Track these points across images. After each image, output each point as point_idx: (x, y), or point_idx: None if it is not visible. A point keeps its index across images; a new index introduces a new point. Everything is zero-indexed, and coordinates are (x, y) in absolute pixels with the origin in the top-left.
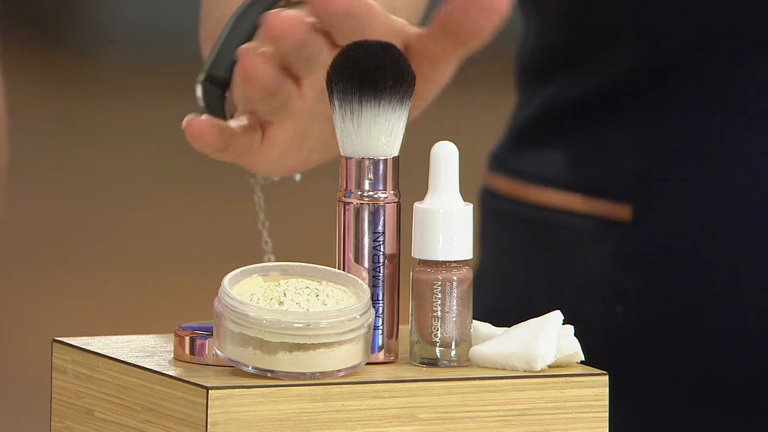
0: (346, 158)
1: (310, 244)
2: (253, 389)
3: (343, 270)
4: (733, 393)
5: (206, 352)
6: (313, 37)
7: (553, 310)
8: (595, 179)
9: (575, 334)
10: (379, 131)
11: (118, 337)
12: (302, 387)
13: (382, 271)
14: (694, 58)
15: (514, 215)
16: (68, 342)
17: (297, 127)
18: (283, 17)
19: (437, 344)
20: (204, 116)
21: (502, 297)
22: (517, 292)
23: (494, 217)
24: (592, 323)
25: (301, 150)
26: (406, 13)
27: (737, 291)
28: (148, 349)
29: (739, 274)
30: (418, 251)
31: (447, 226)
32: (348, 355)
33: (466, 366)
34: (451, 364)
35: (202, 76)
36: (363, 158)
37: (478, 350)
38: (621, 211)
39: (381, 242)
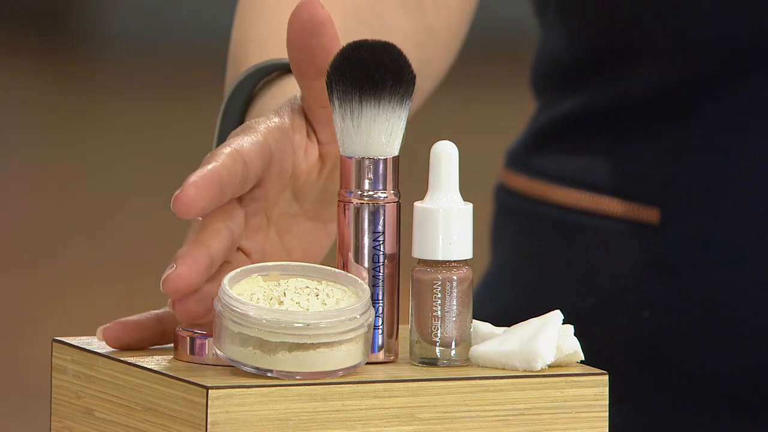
0: (346, 158)
1: None
2: (253, 389)
3: (343, 270)
4: (756, 401)
5: (206, 352)
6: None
7: (573, 312)
8: (624, 182)
9: (575, 334)
10: (379, 131)
11: None
12: (302, 387)
13: (382, 271)
14: (729, 67)
15: (534, 214)
16: (68, 342)
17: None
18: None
19: (437, 344)
20: (115, 321)
21: (516, 298)
22: (534, 294)
23: (511, 216)
24: (614, 327)
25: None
26: (446, 34)
27: (763, 299)
28: (148, 349)
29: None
30: (418, 251)
31: (447, 225)
32: (348, 354)
33: (465, 366)
34: (451, 363)
35: None
36: (363, 158)
37: (478, 350)
38: (649, 214)
39: (381, 242)
